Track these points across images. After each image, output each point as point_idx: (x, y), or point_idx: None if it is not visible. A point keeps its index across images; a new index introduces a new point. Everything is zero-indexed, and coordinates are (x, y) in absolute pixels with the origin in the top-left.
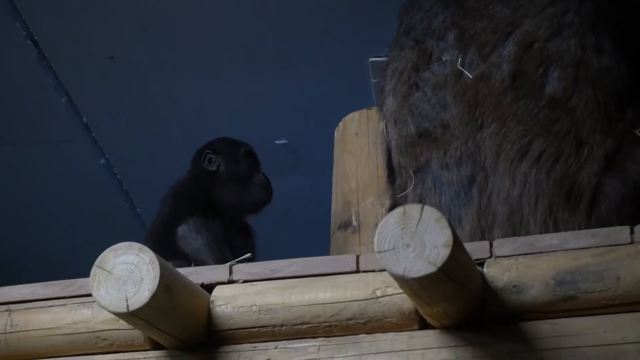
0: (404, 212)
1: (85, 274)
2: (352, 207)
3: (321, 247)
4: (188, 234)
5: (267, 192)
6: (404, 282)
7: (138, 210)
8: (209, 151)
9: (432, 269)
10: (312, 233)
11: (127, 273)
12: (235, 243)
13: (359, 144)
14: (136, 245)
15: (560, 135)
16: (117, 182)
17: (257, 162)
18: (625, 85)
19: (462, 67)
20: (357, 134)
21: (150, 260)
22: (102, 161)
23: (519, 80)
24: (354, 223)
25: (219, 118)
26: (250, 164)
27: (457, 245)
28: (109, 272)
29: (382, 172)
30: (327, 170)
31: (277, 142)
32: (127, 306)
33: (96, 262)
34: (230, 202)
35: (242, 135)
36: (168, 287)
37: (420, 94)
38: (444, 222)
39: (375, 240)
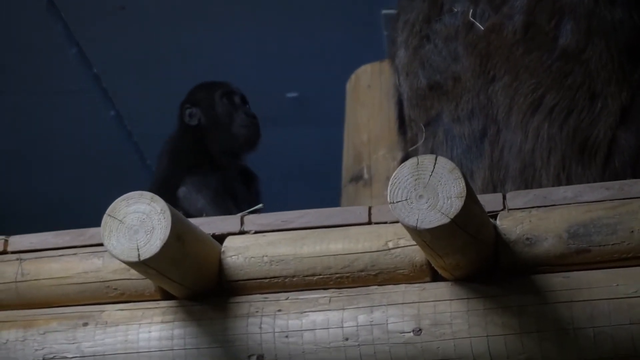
0: (418, 163)
1: (96, 224)
2: (363, 160)
3: (332, 200)
4: (189, 195)
5: (251, 129)
6: (417, 233)
7: (148, 161)
8: (188, 105)
9: (445, 220)
10: (323, 186)
11: (139, 222)
12: (238, 192)
13: (371, 97)
14: (148, 195)
15: (574, 88)
16: (127, 134)
17: (236, 101)
18: (639, 37)
19: (473, 19)
20: (369, 86)
21: (161, 210)
22: (112, 112)
23: (531, 32)
24: (366, 176)
25: (229, 70)
26: (228, 105)
27: (470, 197)
28: (120, 221)
29: (394, 124)
30: (338, 123)
31: (288, 94)
32: (139, 255)
33: (107, 211)
34: (221, 150)
35: (253, 88)
36: (179, 236)
37: (431, 45)
38: (457, 173)
39: (388, 191)
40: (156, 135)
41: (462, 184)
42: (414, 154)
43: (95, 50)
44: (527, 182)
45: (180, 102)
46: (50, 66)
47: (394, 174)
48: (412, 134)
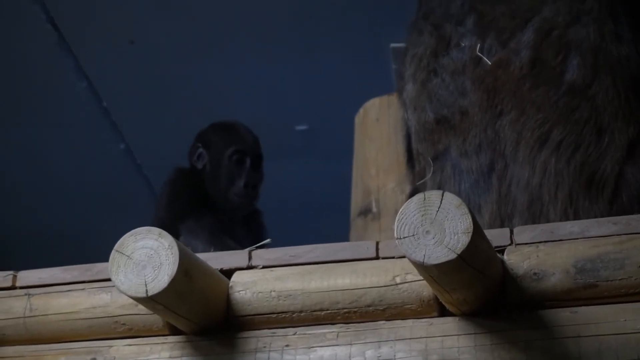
0: (425, 199)
1: (105, 258)
2: (372, 193)
3: (341, 233)
4: (188, 241)
5: (244, 201)
6: (424, 268)
7: (157, 194)
8: (200, 144)
9: (452, 256)
10: (332, 219)
11: (147, 258)
12: (237, 230)
13: (379, 130)
14: (155, 230)
15: (580, 123)
16: (137, 167)
17: (246, 163)
18: None
19: (480, 53)
20: (377, 120)
21: (169, 245)
22: (122, 146)
23: (538, 67)
24: (374, 209)
25: (239, 102)
26: (235, 167)
27: (477, 233)
28: (128, 256)
29: (403, 158)
30: (347, 156)
31: (297, 127)
32: (146, 291)
33: (115, 247)
34: (216, 200)
35: (262, 121)
36: (187, 271)
37: (438, 80)
38: (464, 209)
39: (395, 226)
40: (166, 167)
41: (469, 219)
42: (422, 188)
43: (105, 84)
44: (535, 216)
45: (197, 133)
46: (60, 99)
47: (401, 210)
48: (420, 167)
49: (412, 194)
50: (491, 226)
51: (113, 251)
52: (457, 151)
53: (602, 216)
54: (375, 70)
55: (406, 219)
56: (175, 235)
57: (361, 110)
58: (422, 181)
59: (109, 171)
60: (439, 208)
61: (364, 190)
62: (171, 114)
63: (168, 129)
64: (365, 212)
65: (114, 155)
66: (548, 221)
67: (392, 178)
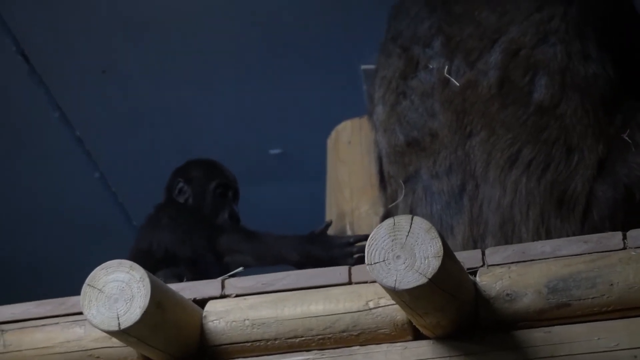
0: (394, 224)
1: (81, 288)
2: (346, 216)
3: None
4: (233, 257)
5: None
6: (395, 293)
7: (134, 223)
8: (180, 179)
9: (423, 280)
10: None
11: (118, 291)
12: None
13: (351, 153)
14: (127, 263)
15: (550, 142)
16: (112, 195)
17: (228, 196)
18: (613, 90)
19: (449, 75)
20: (349, 142)
21: (141, 278)
22: (97, 175)
23: (506, 87)
24: (349, 232)
25: (212, 128)
26: (219, 200)
27: (447, 256)
28: (100, 290)
29: (375, 180)
30: (321, 178)
31: (271, 151)
32: (119, 324)
33: (87, 281)
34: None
35: (235, 145)
36: (159, 303)
37: (407, 102)
38: (434, 233)
39: (365, 252)
40: (142, 196)
41: (439, 243)
42: (394, 210)
43: (78, 113)
44: (507, 236)
45: (175, 169)
46: (32, 130)
47: (371, 235)
48: (392, 190)
49: (385, 216)
50: (464, 247)
51: (85, 285)
52: (428, 173)
53: (574, 235)
54: (348, 92)
55: (376, 244)
56: (186, 258)
57: (333, 133)
58: (394, 204)
59: (84, 200)
60: (408, 232)
61: (338, 214)
62: (145, 141)
63: (142, 156)
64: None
65: (89, 184)
66: (520, 241)
67: (365, 200)
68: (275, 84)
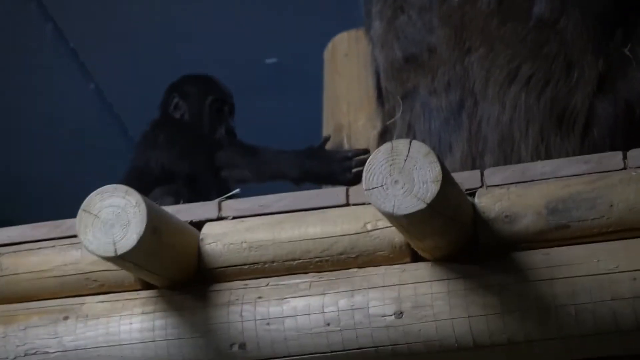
0: (392, 148)
1: (78, 201)
2: (343, 129)
3: None
4: (230, 172)
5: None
6: (394, 219)
7: (130, 133)
8: (176, 94)
9: (421, 206)
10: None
11: (114, 216)
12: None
13: (348, 66)
14: (122, 188)
15: (550, 57)
16: (108, 106)
17: (224, 111)
18: (614, 4)
19: None
20: (346, 55)
21: (137, 203)
22: (92, 86)
23: (506, 2)
24: (346, 146)
25: (207, 37)
26: (215, 115)
27: (446, 180)
28: (96, 215)
29: (373, 94)
30: (318, 89)
31: (267, 61)
32: (115, 250)
33: (82, 206)
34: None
35: (231, 54)
36: (156, 228)
37: (405, 17)
38: (432, 157)
39: (363, 176)
40: (137, 106)
41: (438, 167)
42: (392, 127)
43: (71, 25)
44: (506, 154)
45: (169, 85)
46: (26, 42)
47: (368, 160)
48: (390, 106)
49: (382, 132)
50: (463, 164)
51: (80, 210)
52: (426, 89)
53: (573, 152)
54: (345, 2)
55: (374, 169)
56: (184, 176)
57: (330, 45)
58: (391, 120)
59: (80, 112)
60: (406, 157)
61: (335, 127)
62: (140, 53)
63: (137, 67)
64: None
65: (84, 96)
66: (520, 159)
67: (363, 114)
68: None
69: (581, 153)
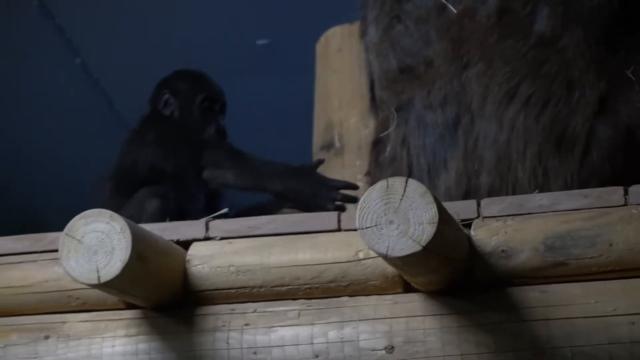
0: (387, 186)
1: (64, 176)
2: (334, 127)
3: (303, 153)
4: (214, 174)
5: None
6: (387, 259)
7: (116, 107)
8: (166, 90)
9: (416, 248)
10: (292, 136)
11: (98, 242)
12: (196, 203)
13: (341, 61)
14: (107, 213)
15: (550, 76)
16: (94, 81)
17: (215, 109)
18: (617, 22)
19: (445, 0)
20: (339, 50)
21: (121, 229)
22: (78, 61)
23: (506, 17)
24: (337, 144)
25: (198, 17)
26: (206, 113)
27: (443, 221)
28: (79, 241)
29: (366, 91)
30: (310, 72)
31: (258, 42)
32: (98, 278)
33: (65, 230)
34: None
35: (223, 35)
36: (141, 255)
37: (402, 27)
38: (429, 198)
39: (356, 215)
40: (124, 81)
41: (434, 208)
42: (386, 139)
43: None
44: (503, 174)
45: (160, 80)
46: (10, 19)
47: (362, 197)
48: (384, 115)
49: (375, 144)
50: (457, 183)
51: (62, 234)
52: (422, 103)
53: (572, 175)
54: None
55: (368, 207)
56: (172, 176)
57: (322, 39)
58: (385, 133)
59: (66, 88)
60: (402, 196)
61: (326, 123)
62: (127, 30)
63: (124, 44)
64: (328, 146)
65: (71, 71)
66: (516, 180)
67: (355, 112)
68: None
69: (580, 176)
